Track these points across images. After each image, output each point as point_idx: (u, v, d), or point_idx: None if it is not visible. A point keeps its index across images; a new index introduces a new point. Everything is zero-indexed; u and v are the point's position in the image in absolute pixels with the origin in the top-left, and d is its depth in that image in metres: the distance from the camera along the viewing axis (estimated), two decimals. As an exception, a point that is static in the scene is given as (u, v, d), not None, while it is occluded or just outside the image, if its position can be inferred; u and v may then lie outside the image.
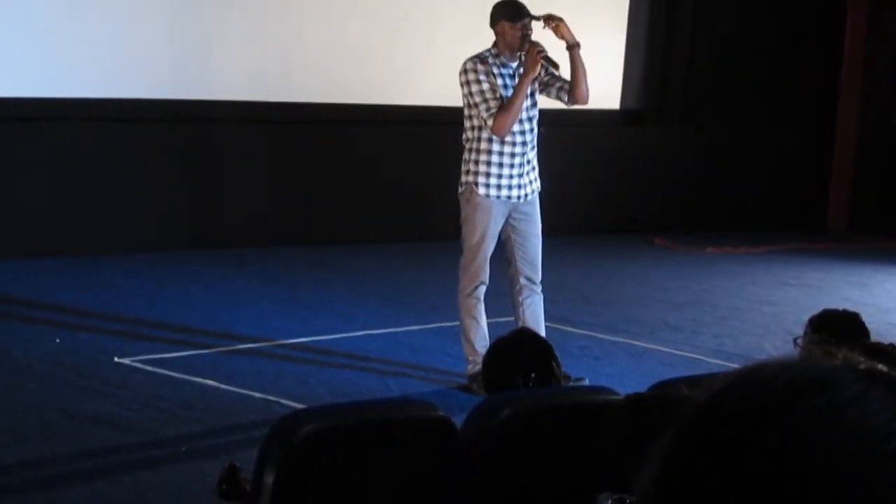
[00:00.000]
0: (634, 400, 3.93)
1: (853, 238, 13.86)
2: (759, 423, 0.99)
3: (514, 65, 7.22)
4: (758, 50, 14.02)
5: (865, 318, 5.08)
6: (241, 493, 3.79)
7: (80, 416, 6.36)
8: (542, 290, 7.36)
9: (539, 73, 7.20)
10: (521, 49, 7.17)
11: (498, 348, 4.62)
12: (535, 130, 7.29)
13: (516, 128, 7.15)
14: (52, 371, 7.06)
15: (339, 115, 11.36)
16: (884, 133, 14.62)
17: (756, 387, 1.01)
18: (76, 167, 10.09)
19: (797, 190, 14.47)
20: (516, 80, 7.16)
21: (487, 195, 7.17)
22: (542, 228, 7.36)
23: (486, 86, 7.12)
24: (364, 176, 11.48)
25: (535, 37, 7.20)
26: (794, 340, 4.78)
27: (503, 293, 7.44)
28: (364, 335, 8.29)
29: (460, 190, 7.29)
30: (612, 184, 13.05)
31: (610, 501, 2.96)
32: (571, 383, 6.60)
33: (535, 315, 7.27)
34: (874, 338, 4.84)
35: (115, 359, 7.33)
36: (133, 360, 7.34)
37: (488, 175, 7.16)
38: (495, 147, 7.16)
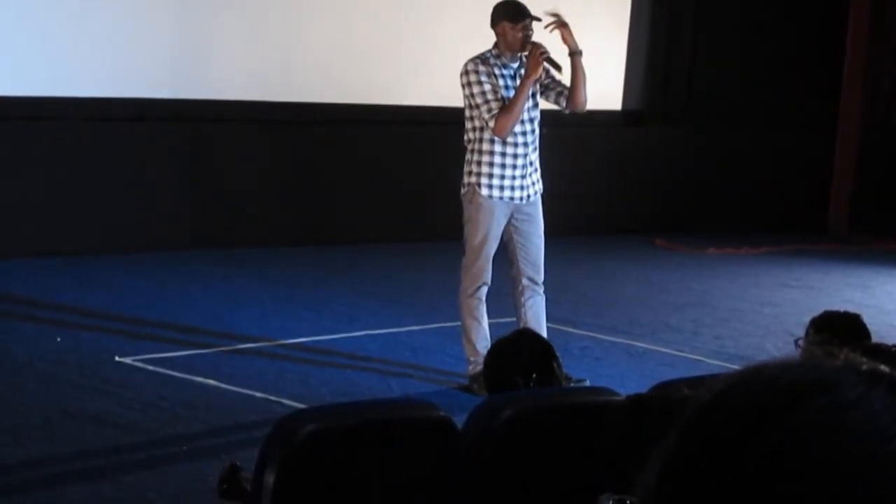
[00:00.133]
0: (635, 401, 3.93)
1: (854, 239, 13.85)
2: (761, 423, 0.99)
3: (515, 65, 7.22)
4: (759, 51, 14.02)
5: (867, 319, 5.08)
6: (242, 493, 3.79)
7: (82, 416, 6.36)
8: (544, 291, 7.36)
9: (540, 76, 7.20)
10: (522, 50, 7.17)
11: (499, 349, 4.62)
12: (537, 132, 7.28)
13: (518, 129, 7.15)
14: (54, 370, 7.06)
15: (340, 115, 11.36)
16: (885, 134, 14.62)
17: (758, 387, 1.01)
18: (77, 167, 10.09)
19: (798, 191, 14.47)
20: (517, 81, 7.16)
21: (490, 196, 7.17)
22: (543, 229, 7.36)
23: (487, 87, 7.11)
24: (364, 176, 11.48)
25: (536, 38, 7.19)
26: (796, 342, 4.78)
27: (505, 293, 7.44)
28: (365, 335, 8.29)
29: (463, 191, 7.28)
30: (613, 184, 13.05)
31: (611, 502, 2.96)
32: (572, 384, 6.60)
33: (536, 316, 7.27)
34: (875, 339, 4.83)
35: (117, 358, 7.33)
36: (134, 360, 7.34)
37: (491, 176, 7.16)
38: (497, 148, 7.16)
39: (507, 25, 7.16)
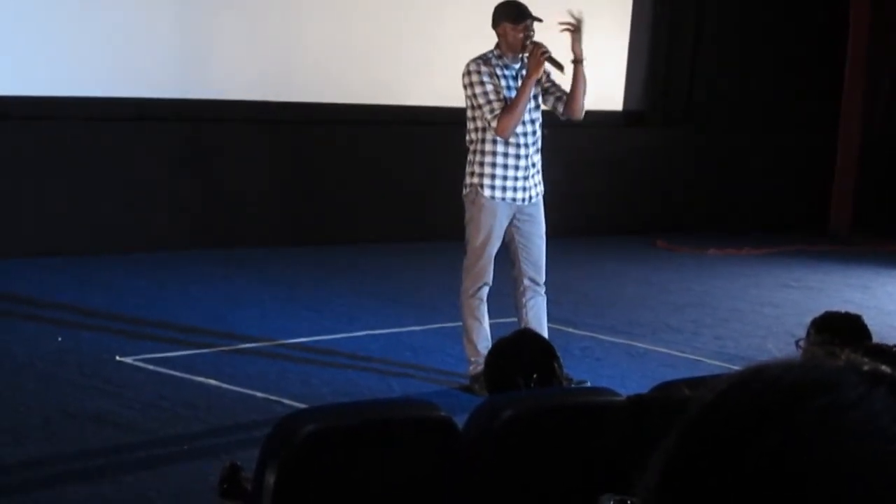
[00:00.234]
0: (636, 401, 3.93)
1: (855, 240, 13.85)
2: (762, 423, 0.99)
3: (517, 66, 7.22)
4: (760, 52, 14.02)
5: (867, 320, 5.08)
6: (243, 493, 3.79)
7: (82, 416, 6.36)
8: (545, 292, 7.36)
9: (541, 77, 7.20)
10: (523, 50, 7.16)
11: (500, 349, 4.62)
12: (539, 133, 7.28)
13: (519, 129, 7.15)
14: (54, 370, 7.06)
15: (341, 115, 11.37)
16: (886, 135, 14.62)
17: (759, 387, 1.01)
18: (77, 166, 10.09)
19: (799, 192, 14.47)
20: (519, 82, 7.16)
21: (493, 197, 7.17)
22: (545, 230, 7.36)
23: (489, 87, 7.11)
24: (365, 176, 11.48)
25: (542, 37, 7.18)
26: (796, 342, 4.78)
27: (506, 294, 7.44)
28: (365, 335, 8.29)
29: (465, 191, 7.28)
30: (614, 185, 13.05)
31: (612, 502, 2.96)
32: (573, 386, 6.59)
33: (538, 316, 7.27)
34: (876, 340, 4.83)
35: (117, 358, 7.33)
36: (135, 360, 7.34)
37: (493, 177, 7.16)
38: (500, 149, 7.16)
39: (508, 26, 7.16)
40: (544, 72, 7.21)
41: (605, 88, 11.50)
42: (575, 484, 3.75)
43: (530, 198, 7.26)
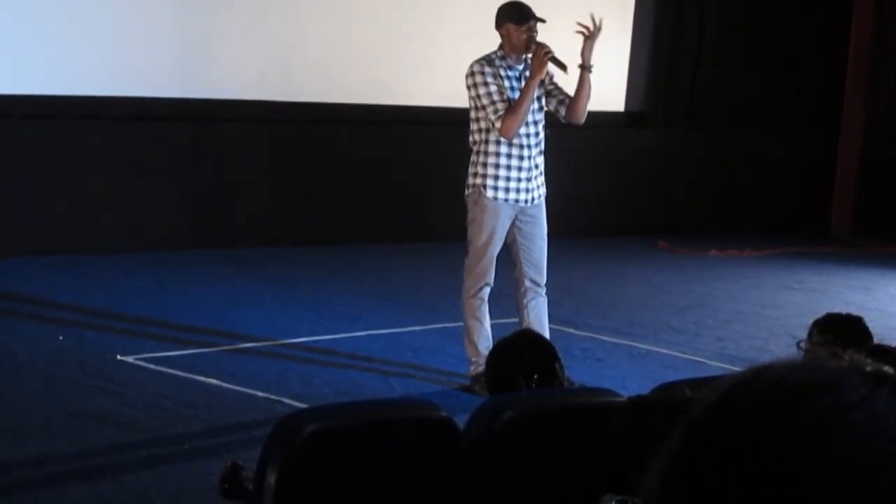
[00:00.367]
0: (637, 402, 3.93)
1: (857, 242, 13.86)
2: (765, 424, 0.99)
3: (521, 67, 7.22)
4: (762, 53, 14.02)
5: (868, 322, 5.08)
6: (244, 492, 3.79)
7: (83, 415, 6.36)
8: (546, 293, 7.36)
9: (544, 80, 7.20)
10: (527, 51, 7.16)
11: (500, 349, 4.62)
12: (542, 134, 7.28)
13: (523, 131, 7.15)
14: (55, 369, 7.06)
15: (341, 115, 11.37)
16: (888, 136, 14.61)
17: (762, 388, 1.01)
18: (78, 165, 10.09)
19: (801, 193, 14.47)
20: (522, 83, 7.15)
21: (495, 198, 7.17)
22: (547, 231, 7.36)
23: (493, 88, 7.11)
24: (366, 176, 11.48)
25: (546, 38, 7.17)
26: (798, 344, 4.78)
27: (507, 294, 7.44)
28: (366, 335, 8.29)
29: (467, 192, 7.28)
30: (615, 186, 13.05)
31: (614, 502, 2.96)
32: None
33: (539, 317, 7.27)
34: (877, 342, 4.83)
35: (118, 357, 7.33)
36: (136, 359, 7.34)
37: (496, 178, 7.16)
38: (503, 150, 7.16)
39: (511, 27, 7.16)
40: (547, 73, 7.21)
41: (607, 89, 11.48)
42: (576, 484, 3.75)
43: (533, 199, 7.26)
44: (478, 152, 7.22)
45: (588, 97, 7.23)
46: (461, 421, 3.86)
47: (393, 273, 10.43)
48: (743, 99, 13.97)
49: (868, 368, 1.01)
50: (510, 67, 7.20)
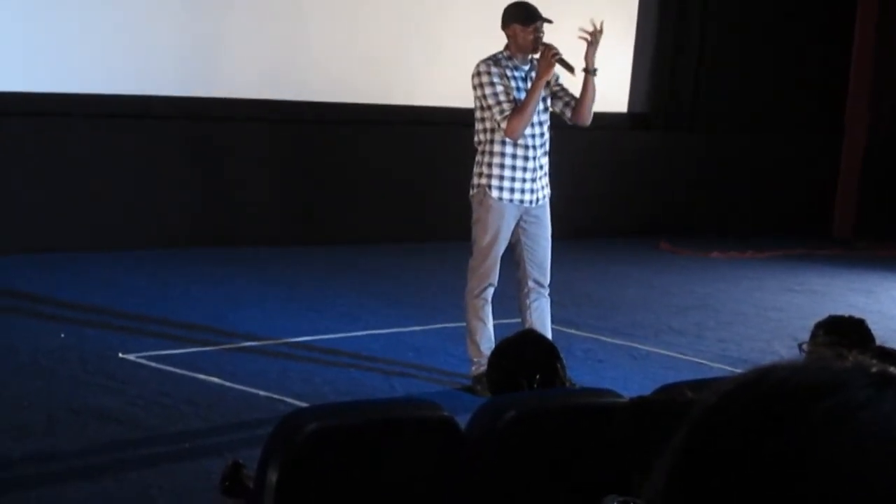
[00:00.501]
0: (638, 403, 3.93)
1: (859, 245, 13.85)
2: (770, 424, 0.99)
3: (526, 68, 7.21)
4: (766, 55, 14.01)
5: (871, 324, 5.08)
6: (245, 491, 3.79)
7: (85, 412, 6.37)
8: (550, 294, 7.36)
9: (550, 81, 7.20)
10: (533, 52, 7.16)
11: (502, 349, 4.62)
12: (547, 135, 7.28)
13: (528, 131, 7.15)
14: (57, 367, 7.06)
15: (344, 115, 11.37)
16: (891, 139, 14.61)
17: (767, 388, 1.01)
18: (81, 163, 10.09)
19: (803, 195, 14.47)
20: (528, 84, 7.15)
21: (500, 198, 7.17)
22: (551, 232, 7.36)
23: (500, 88, 7.10)
24: (368, 175, 11.48)
25: (553, 40, 7.17)
26: (800, 346, 4.78)
27: (510, 295, 7.44)
28: (368, 335, 8.29)
29: (472, 192, 7.28)
30: (617, 187, 13.05)
31: (616, 503, 2.96)
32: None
33: (541, 318, 7.27)
34: (880, 344, 4.83)
35: (120, 355, 7.34)
36: (137, 357, 7.34)
37: (502, 178, 7.16)
38: (508, 150, 7.16)
39: (518, 27, 7.15)
40: (553, 74, 7.20)
41: (610, 90, 11.48)
42: (578, 485, 3.75)
43: (537, 199, 7.26)
44: (483, 152, 7.22)
45: (593, 100, 7.24)
46: (462, 421, 3.86)
47: (395, 273, 10.43)
48: (745, 100, 13.97)
49: (873, 369, 1.01)
50: (516, 68, 7.20)
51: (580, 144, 11.93)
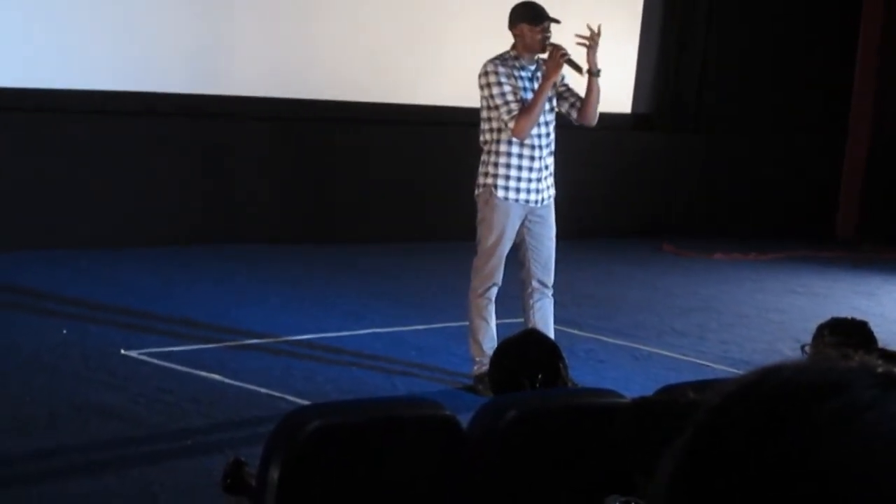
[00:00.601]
0: (640, 403, 3.93)
1: (862, 247, 13.84)
2: (776, 424, 0.99)
3: (533, 68, 7.21)
4: (770, 57, 14.01)
5: (873, 327, 5.08)
6: (246, 488, 3.79)
7: (87, 409, 6.37)
8: (553, 294, 7.36)
9: (556, 81, 7.19)
10: (541, 52, 7.16)
11: (505, 349, 4.62)
12: (552, 135, 7.29)
13: (534, 131, 7.15)
14: (59, 363, 7.06)
15: (350, 114, 11.37)
16: (894, 141, 14.59)
17: (772, 389, 1.01)
18: (85, 160, 10.09)
19: (806, 197, 14.46)
20: (534, 84, 7.15)
21: (506, 198, 7.17)
22: (555, 232, 7.36)
23: (507, 88, 7.10)
24: (372, 174, 11.48)
25: (559, 40, 7.17)
26: (802, 348, 4.79)
27: (513, 295, 7.44)
28: (370, 334, 8.29)
29: (477, 192, 7.28)
30: (620, 188, 13.05)
31: (618, 503, 2.96)
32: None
33: (544, 318, 7.27)
34: (881, 346, 4.83)
35: (122, 351, 7.34)
36: (140, 353, 7.35)
37: (507, 178, 7.16)
38: (514, 150, 7.16)
39: (525, 27, 7.15)
40: (560, 74, 7.20)
41: (614, 91, 11.49)
42: (579, 485, 3.75)
43: (542, 199, 7.27)
44: (489, 152, 7.22)
45: (598, 100, 7.25)
46: (464, 420, 3.86)
47: (398, 272, 10.43)
48: (749, 102, 13.96)
49: (879, 370, 1.01)
50: (522, 68, 7.20)
51: (583, 145, 11.93)
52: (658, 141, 13.50)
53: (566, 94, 7.31)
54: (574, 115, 7.31)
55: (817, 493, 0.96)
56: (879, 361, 1.02)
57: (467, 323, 7.37)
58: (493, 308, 7.25)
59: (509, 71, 7.15)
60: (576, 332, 8.66)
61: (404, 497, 3.72)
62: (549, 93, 7.16)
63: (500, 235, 7.20)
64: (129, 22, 10.21)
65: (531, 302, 7.29)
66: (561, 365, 4.47)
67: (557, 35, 7.24)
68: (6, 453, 5.80)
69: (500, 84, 7.10)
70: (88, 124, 10.14)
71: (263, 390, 6.89)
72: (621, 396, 4.06)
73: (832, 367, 1.01)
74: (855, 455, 0.96)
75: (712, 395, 1.05)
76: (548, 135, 7.25)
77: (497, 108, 7.11)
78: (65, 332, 7.64)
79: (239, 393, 6.85)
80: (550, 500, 3.79)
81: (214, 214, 10.77)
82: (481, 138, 7.27)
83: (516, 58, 7.20)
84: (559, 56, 7.04)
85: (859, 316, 5.36)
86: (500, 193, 7.16)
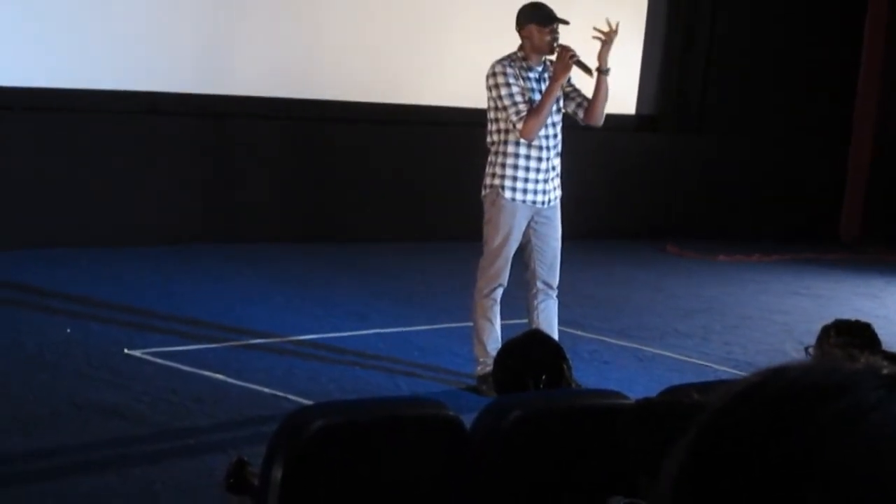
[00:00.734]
0: (644, 404, 3.92)
1: (865, 249, 13.83)
2: (780, 426, 0.98)
3: (540, 69, 7.20)
4: (774, 58, 14.00)
5: (877, 329, 5.08)
6: (249, 488, 3.79)
7: (89, 407, 6.37)
8: (558, 296, 7.35)
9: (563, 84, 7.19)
10: (549, 53, 7.15)
11: (509, 349, 4.62)
12: (560, 136, 7.28)
13: (541, 132, 7.14)
14: (62, 361, 7.06)
15: (355, 114, 11.36)
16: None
17: (777, 390, 1.01)
18: (89, 158, 10.10)
19: (810, 199, 14.45)
20: (541, 85, 7.14)
21: (513, 199, 7.16)
22: (561, 233, 7.36)
23: (515, 89, 7.09)
24: (378, 174, 11.48)
25: (567, 40, 7.17)
26: (806, 349, 4.78)
27: (517, 295, 7.44)
28: (374, 333, 8.29)
29: (484, 192, 7.27)
30: (624, 189, 13.04)
31: (620, 504, 2.96)
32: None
33: (548, 319, 7.26)
34: (886, 349, 4.83)
35: (125, 351, 7.34)
36: (143, 353, 7.35)
37: (515, 179, 7.16)
38: (522, 151, 7.15)
39: (534, 28, 7.13)
40: (568, 76, 7.19)
41: (618, 92, 11.48)
42: (583, 485, 3.75)
43: (549, 200, 7.26)
44: (496, 153, 7.21)
45: (605, 100, 7.24)
46: (468, 421, 3.86)
47: (401, 272, 10.42)
48: (753, 103, 13.95)
49: (885, 371, 1.01)
50: (530, 69, 7.19)
51: (588, 146, 11.92)
52: (662, 142, 13.49)
53: (573, 95, 7.30)
54: (581, 114, 7.30)
55: (822, 494, 0.96)
56: (885, 363, 1.02)
57: (471, 323, 7.37)
58: (498, 309, 7.25)
59: (517, 72, 7.14)
60: (579, 332, 8.66)
61: (407, 497, 3.72)
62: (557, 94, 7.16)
63: (506, 236, 7.19)
64: (133, 22, 10.21)
65: (535, 303, 7.29)
66: (564, 366, 4.47)
67: (563, 36, 7.24)
68: (8, 452, 5.80)
69: (508, 85, 7.09)
70: (92, 123, 10.13)
71: (266, 390, 6.89)
72: (625, 397, 4.06)
73: (837, 368, 1.01)
74: (860, 456, 0.96)
75: (716, 396, 1.05)
76: (555, 136, 7.24)
77: (505, 108, 7.10)
78: (68, 330, 7.64)
79: (242, 392, 6.85)
80: (554, 500, 3.79)
81: (217, 213, 10.77)
82: (488, 139, 7.26)
83: (524, 59, 7.19)
84: (568, 57, 7.02)
85: (862, 318, 5.36)
86: (508, 194, 7.16)
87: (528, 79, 7.17)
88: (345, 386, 7.11)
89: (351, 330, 8.33)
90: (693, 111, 13.71)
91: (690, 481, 1.01)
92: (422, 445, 3.74)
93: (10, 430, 6.01)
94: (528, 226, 7.26)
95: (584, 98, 7.29)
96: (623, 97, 12.65)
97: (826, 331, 4.89)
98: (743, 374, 1.06)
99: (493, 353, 5.93)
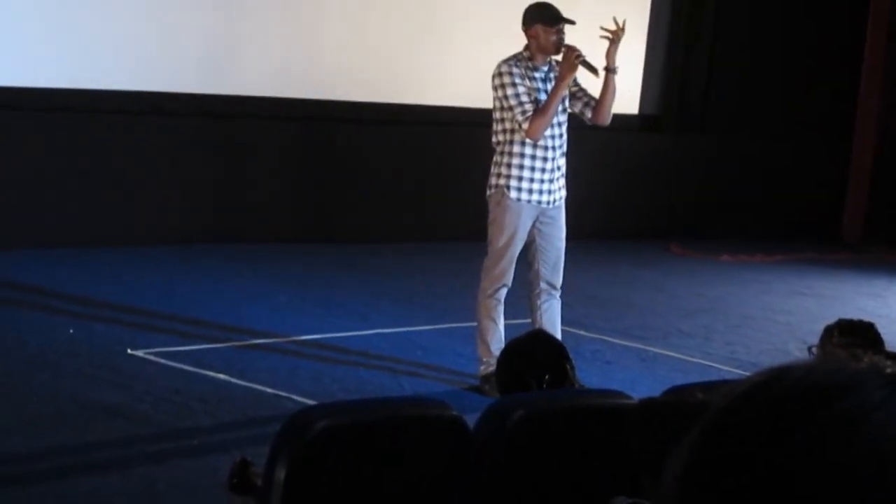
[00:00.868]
0: (648, 404, 3.92)
1: (868, 249, 13.83)
2: (783, 426, 0.98)
3: (546, 69, 7.20)
4: (777, 58, 14.00)
5: (880, 328, 5.07)
6: (252, 488, 3.79)
7: (92, 407, 6.37)
8: (561, 296, 7.35)
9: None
10: (555, 53, 7.14)
11: (512, 349, 4.62)
12: (565, 136, 7.28)
13: (547, 132, 7.14)
14: (65, 361, 7.07)
15: (358, 114, 11.36)
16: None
17: (781, 390, 1.01)
18: (93, 159, 10.10)
19: (813, 199, 14.45)
20: (547, 85, 7.14)
21: (518, 199, 7.16)
22: (565, 233, 7.35)
23: (521, 89, 7.09)
24: (381, 174, 11.48)
25: (573, 41, 7.16)
26: (809, 349, 4.77)
27: (520, 295, 7.43)
28: (377, 334, 8.29)
29: (489, 192, 7.27)
30: (628, 189, 13.04)
31: (624, 504, 2.96)
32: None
33: (552, 319, 7.26)
34: (888, 348, 4.83)
35: (129, 350, 7.34)
36: (146, 353, 7.35)
37: (520, 179, 7.15)
38: (527, 151, 7.15)
39: (540, 28, 7.13)
40: (574, 76, 7.19)
41: (622, 92, 11.47)
42: (586, 485, 3.75)
43: (554, 201, 7.26)
44: (501, 153, 7.21)
45: (613, 99, 7.24)
46: (471, 421, 3.86)
47: (404, 272, 10.42)
48: (756, 103, 13.95)
49: (888, 370, 1.01)
50: (536, 69, 7.18)
51: (591, 146, 11.92)
52: (665, 142, 13.49)
53: (579, 94, 7.30)
54: (588, 114, 7.30)
55: (825, 494, 0.96)
56: (888, 362, 1.02)
57: (475, 323, 7.37)
58: (501, 309, 7.24)
59: (523, 72, 7.13)
60: (582, 332, 8.66)
61: (410, 497, 3.72)
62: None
63: (511, 236, 7.19)
64: (134, 22, 10.21)
65: (539, 303, 7.28)
66: (568, 366, 4.47)
67: (568, 36, 7.23)
68: (11, 451, 5.80)
69: (514, 85, 7.09)
70: (97, 123, 10.14)
71: (270, 390, 6.89)
72: (628, 397, 4.06)
73: (841, 368, 1.01)
74: (863, 456, 0.96)
75: (720, 395, 1.05)
76: (560, 136, 7.24)
77: (511, 108, 7.09)
78: (71, 330, 7.64)
79: (245, 392, 6.85)
80: (557, 500, 3.79)
81: (219, 213, 10.77)
82: (494, 139, 7.25)
83: (530, 59, 7.18)
84: (573, 57, 7.02)
85: (865, 317, 5.35)
86: (513, 194, 7.15)
87: (534, 79, 7.16)
88: (348, 386, 7.11)
89: (354, 330, 8.33)
90: (696, 111, 13.71)
91: (694, 481, 1.01)
92: (425, 446, 3.74)
93: (12, 429, 6.02)
94: (533, 226, 7.26)
95: (591, 97, 7.29)
96: (626, 97, 12.65)
97: (829, 331, 4.88)
98: (746, 373, 1.06)
99: (497, 352, 5.94)
